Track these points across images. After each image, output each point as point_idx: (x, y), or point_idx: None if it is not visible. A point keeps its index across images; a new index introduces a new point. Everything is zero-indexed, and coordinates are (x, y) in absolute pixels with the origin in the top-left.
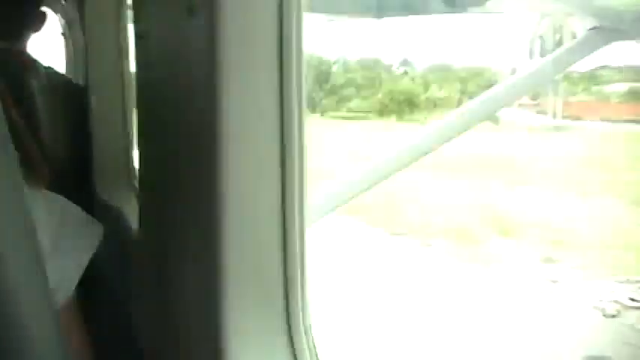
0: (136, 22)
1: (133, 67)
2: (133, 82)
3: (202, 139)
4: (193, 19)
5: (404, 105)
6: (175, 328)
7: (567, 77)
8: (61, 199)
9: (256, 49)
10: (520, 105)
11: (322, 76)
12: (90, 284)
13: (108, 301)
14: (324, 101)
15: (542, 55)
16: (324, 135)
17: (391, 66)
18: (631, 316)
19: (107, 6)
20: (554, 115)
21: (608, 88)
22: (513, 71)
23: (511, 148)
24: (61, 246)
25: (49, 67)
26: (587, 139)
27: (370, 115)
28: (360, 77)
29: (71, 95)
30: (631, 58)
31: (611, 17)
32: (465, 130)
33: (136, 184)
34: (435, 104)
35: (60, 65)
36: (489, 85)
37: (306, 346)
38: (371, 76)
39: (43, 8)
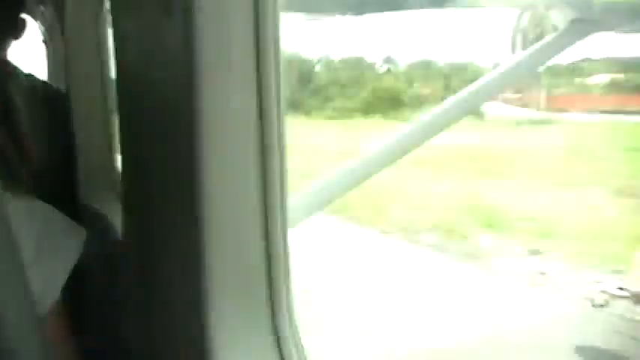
0: (114, 24)
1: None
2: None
3: (181, 140)
4: (170, 20)
5: (389, 103)
6: (161, 330)
7: (549, 70)
8: (44, 206)
9: (233, 49)
10: (504, 100)
11: (305, 76)
12: (76, 289)
13: (94, 305)
14: (308, 102)
15: (524, 48)
16: (311, 136)
17: (374, 64)
18: (619, 306)
19: (87, 11)
20: (538, 108)
21: (590, 80)
22: (496, 66)
23: (496, 142)
24: (44, 252)
25: (30, 75)
26: (570, 131)
27: (355, 114)
28: (344, 76)
29: (53, 102)
30: (612, 49)
31: (591, 9)
32: (449, 125)
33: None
34: (419, 101)
35: (42, 73)
36: (473, 81)
37: (293, 346)
38: (354, 74)
39: (23, 15)
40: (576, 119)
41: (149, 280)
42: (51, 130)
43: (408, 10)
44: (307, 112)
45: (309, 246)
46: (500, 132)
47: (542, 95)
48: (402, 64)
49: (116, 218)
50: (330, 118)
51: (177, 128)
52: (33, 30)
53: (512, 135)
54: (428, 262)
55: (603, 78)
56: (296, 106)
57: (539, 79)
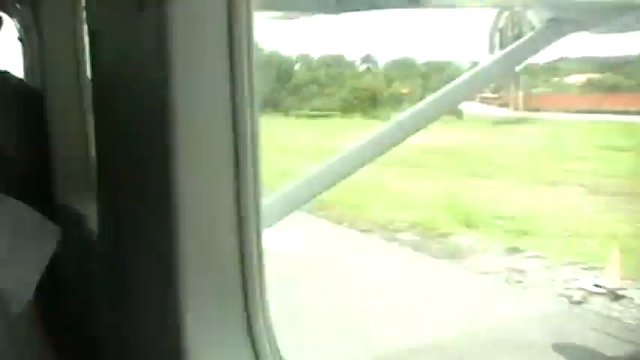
0: (88, 20)
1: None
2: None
3: (155, 138)
4: (144, 15)
5: (368, 102)
6: (137, 329)
7: (527, 70)
8: (17, 204)
9: (207, 45)
10: (483, 99)
11: (284, 74)
12: (51, 286)
13: (68, 304)
14: (286, 100)
15: (503, 48)
16: (289, 134)
17: (354, 62)
18: (596, 302)
19: (62, 9)
20: (516, 108)
21: (567, 80)
22: (474, 65)
23: (474, 141)
24: (17, 250)
25: (6, 72)
26: (547, 130)
27: (334, 113)
28: (323, 75)
29: (28, 99)
30: (588, 49)
31: (567, 9)
32: (428, 124)
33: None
34: (398, 100)
35: (18, 70)
36: (452, 80)
37: (267, 344)
38: (333, 73)
39: None
40: (553, 118)
41: (124, 280)
42: (27, 128)
43: (388, 10)
44: (286, 111)
45: (284, 246)
46: (479, 131)
47: (520, 95)
48: (381, 62)
49: (92, 216)
50: (309, 116)
51: (150, 125)
52: (8, 27)
53: (491, 134)
54: (407, 261)
55: (580, 78)
56: (275, 105)
57: (517, 79)
